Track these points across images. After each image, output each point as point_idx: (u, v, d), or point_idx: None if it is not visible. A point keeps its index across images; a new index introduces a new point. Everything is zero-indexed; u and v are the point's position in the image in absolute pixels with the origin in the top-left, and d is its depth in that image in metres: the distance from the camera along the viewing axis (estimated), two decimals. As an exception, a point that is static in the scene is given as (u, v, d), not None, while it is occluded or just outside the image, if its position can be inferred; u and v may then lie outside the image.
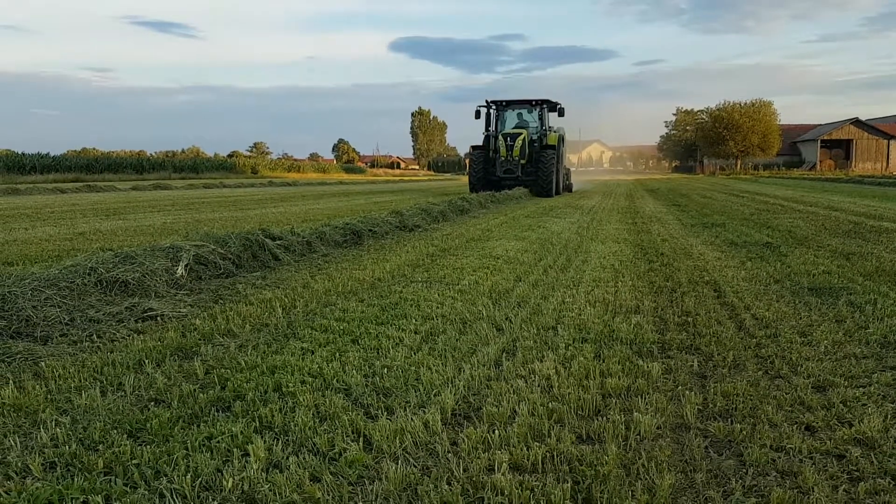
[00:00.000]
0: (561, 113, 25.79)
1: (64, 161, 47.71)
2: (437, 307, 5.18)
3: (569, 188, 28.97)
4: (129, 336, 4.32)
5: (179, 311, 4.97)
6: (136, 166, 52.87)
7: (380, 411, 3.05)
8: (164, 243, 6.38)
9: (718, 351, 4.11)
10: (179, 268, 5.96)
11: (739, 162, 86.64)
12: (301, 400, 3.14)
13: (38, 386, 3.29)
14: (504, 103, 26.34)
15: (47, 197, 22.59)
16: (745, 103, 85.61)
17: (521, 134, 24.77)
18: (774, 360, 3.93)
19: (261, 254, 7.30)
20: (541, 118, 25.86)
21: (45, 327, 4.25)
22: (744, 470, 2.60)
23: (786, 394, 3.38)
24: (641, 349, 4.13)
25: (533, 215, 14.92)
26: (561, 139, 26.25)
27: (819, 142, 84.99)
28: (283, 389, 3.29)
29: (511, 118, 26.72)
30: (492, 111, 26.20)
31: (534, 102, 25.97)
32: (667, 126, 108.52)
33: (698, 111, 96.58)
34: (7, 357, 3.71)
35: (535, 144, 25.32)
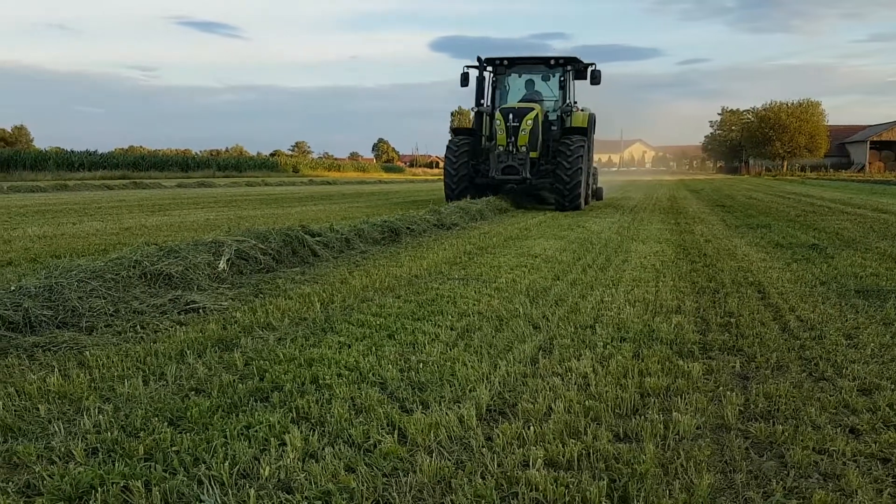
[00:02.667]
0: (595, 79, 17.06)
1: (111, 159, 48.84)
2: (474, 304, 5.17)
3: (598, 195, 20.38)
4: (171, 327, 4.40)
5: (221, 304, 5.05)
6: (182, 164, 53.86)
7: (415, 405, 3.05)
8: (207, 238, 6.48)
9: (761, 352, 4.02)
10: (221, 262, 6.05)
11: (786, 163, 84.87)
12: (337, 392, 3.16)
13: (82, 374, 3.37)
14: (506, 61, 17.23)
15: (95, 193, 23.15)
16: (792, 103, 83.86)
17: (532, 111, 15.92)
18: (819, 362, 3.83)
19: (300, 250, 7.37)
20: (563, 87, 17.06)
21: (90, 318, 4.35)
22: (785, 471, 2.54)
23: (830, 396, 3.29)
24: (682, 349, 4.06)
25: (572, 214, 14.81)
26: (592, 122, 17.75)
27: (868, 143, 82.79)
28: (320, 381, 3.31)
29: (517, 87, 18.02)
30: (487, 74, 17.39)
31: (552, 61, 17.04)
32: (711, 126, 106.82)
33: (744, 111, 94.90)
34: (53, 346, 3.81)
35: (555, 128, 16.77)
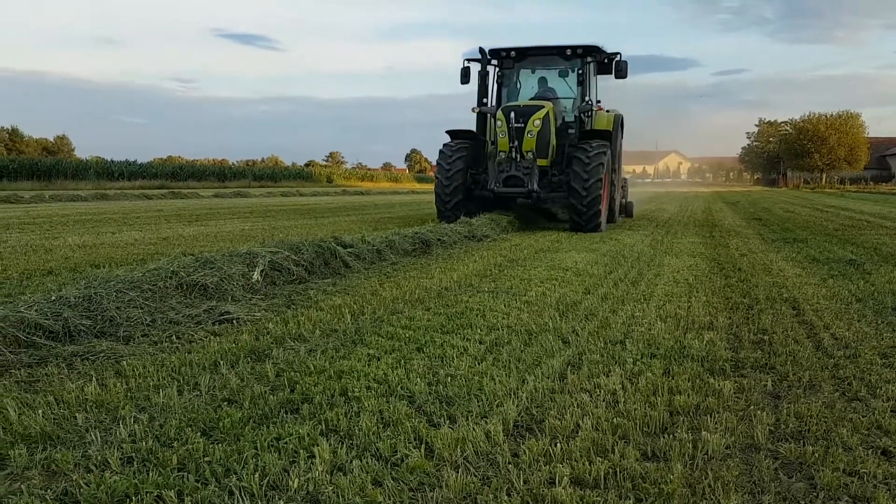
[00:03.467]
0: (621, 71, 14.46)
1: (150, 168, 49.83)
2: (503, 318, 5.18)
3: (627, 211, 17.93)
4: (206, 338, 4.48)
5: (254, 315, 5.13)
6: (219, 174, 54.77)
7: (442, 419, 3.07)
8: (242, 249, 6.59)
9: (794, 371, 3.97)
10: (255, 273, 6.15)
11: (824, 175, 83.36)
12: (366, 405, 3.20)
13: (119, 384, 3.45)
14: (513, 53, 14.57)
15: (134, 203, 23.61)
16: (832, 115, 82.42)
17: (542, 109, 13.35)
18: (852, 381, 3.77)
19: (332, 261, 7.45)
20: (581, 82, 14.27)
21: (127, 327, 4.46)
22: (814, 493, 2.51)
23: (862, 417, 3.24)
24: (713, 367, 4.03)
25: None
26: (619, 124, 15.53)
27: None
28: (349, 394, 3.35)
29: (529, 84, 15.32)
30: (492, 70, 14.75)
31: (568, 51, 14.18)
32: (749, 137, 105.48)
33: (782, 122, 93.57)
34: (91, 355, 3.91)
35: (572, 131, 14.13)
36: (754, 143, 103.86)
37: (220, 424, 2.95)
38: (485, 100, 14.46)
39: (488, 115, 14.43)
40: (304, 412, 3.12)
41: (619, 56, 14.62)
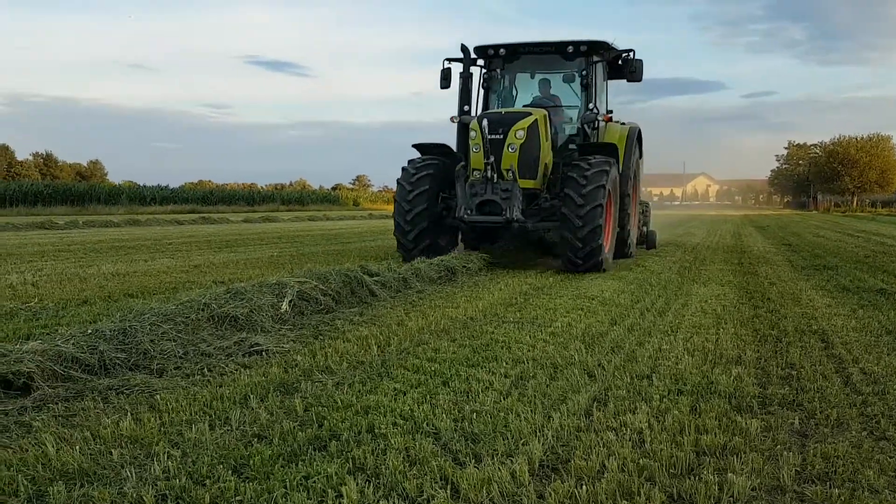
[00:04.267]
0: (634, 72, 11.81)
1: (181, 193, 50.64)
2: (528, 350, 5.20)
3: (649, 242, 15.77)
4: (236, 370, 4.57)
5: (283, 347, 5.21)
6: (248, 198, 55.49)
7: (468, 458, 3.11)
8: (271, 280, 6.70)
9: (822, 408, 3.94)
10: (284, 304, 6.24)
11: (855, 198, 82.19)
12: (392, 442, 3.24)
13: (153, 418, 3.54)
14: (503, 51, 12.11)
15: (165, 228, 24.02)
16: (862, 138, 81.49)
17: (528, 118, 10.80)
18: (880, 419, 3.73)
19: (359, 290, 7.53)
20: (586, 85, 11.84)
21: (161, 360, 4.56)
22: (843, 541, 2.50)
23: (890, 457, 3.21)
24: (741, 404, 4.01)
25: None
26: (634, 139, 13.02)
27: (945, 178, 79.60)
28: (376, 431, 3.40)
29: (528, 88, 12.90)
30: (478, 71, 12.44)
31: (570, 48, 11.75)
32: (778, 160, 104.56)
33: (811, 145, 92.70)
34: (126, 389, 4.01)
35: (574, 146, 11.66)
36: (784, 166, 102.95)
37: (251, 462, 3.01)
38: (467, 107, 12.01)
39: (469, 126, 11.37)
40: (332, 449, 3.18)
41: (631, 53, 12.02)
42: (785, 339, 5.82)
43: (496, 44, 12.22)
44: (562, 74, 12.51)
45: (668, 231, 24.57)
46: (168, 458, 3.07)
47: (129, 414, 3.59)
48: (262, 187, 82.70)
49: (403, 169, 11.41)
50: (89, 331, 4.63)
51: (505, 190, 10.56)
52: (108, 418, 3.52)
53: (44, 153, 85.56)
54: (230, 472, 2.93)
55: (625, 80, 12.22)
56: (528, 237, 12.04)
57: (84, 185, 47.70)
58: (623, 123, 13.27)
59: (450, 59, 12.27)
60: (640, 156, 14.10)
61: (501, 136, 10.68)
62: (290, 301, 6.36)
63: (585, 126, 11.92)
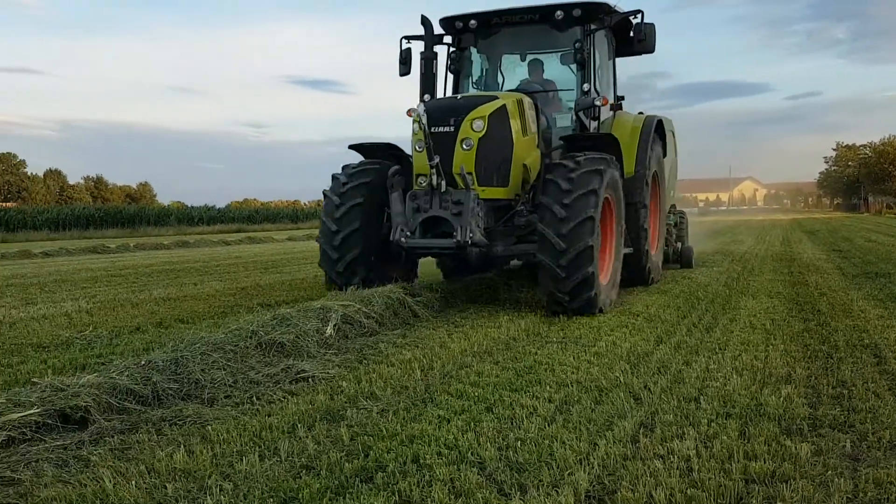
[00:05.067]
0: (644, 39, 9.15)
1: (227, 213, 51.78)
2: (572, 372, 5.18)
3: (684, 259, 13.24)
4: (284, 398, 4.65)
5: (328, 373, 5.28)
6: (292, 216, 56.44)
7: (513, 490, 3.11)
8: (316, 304, 6.80)
9: (874, 429, 3.85)
10: (329, 328, 6.33)
11: (910, 199, 79.75)
12: (437, 473, 3.27)
13: (205, 450, 3.62)
14: (474, 22, 9.65)
15: (213, 249, 24.53)
16: (914, 136, 79.18)
17: (490, 103, 8.16)
18: (940, 444, 3.63)
19: (401, 311, 7.59)
20: (581, 62, 9.23)
21: (211, 389, 4.67)
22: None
23: (951, 487, 3.12)
24: (790, 426, 3.94)
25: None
26: (651, 132, 10.27)
27: None
28: (421, 461, 3.43)
29: (515, 72, 10.38)
30: (444, 50, 9.98)
31: (560, 13, 9.12)
32: (826, 162, 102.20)
33: (861, 146, 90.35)
34: (179, 420, 4.12)
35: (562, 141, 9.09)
36: (832, 168, 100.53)
37: (300, 495, 3.07)
38: (427, 96, 9.53)
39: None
40: (379, 481, 3.22)
41: (640, 15, 9.31)
42: (836, 355, 5.69)
43: (465, 13, 9.65)
44: (559, 54, 9.83)
45: (715, 239, 24.14)
46: (220, 490, 3.14)
47: (182, 446, 3.68)
48: (304, 204, 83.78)
49: (334, 177, 8.78)
50: (143, 362, 4.77)
51: (457, 202, 7.75)
52: (162, 451, 3.62)
53: (94, 177, 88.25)
54: (280, 505, 2.99)
55: (637, 56, 10.21)
56: (489, 268, 9.77)
57: (134, 208, 49.09)
58: (642, 113, 10.80)
59: (409, 37, 9.75)
60: (665, 154, 11.41)
61: (451, 129, 7.90)
62: (335, 325, 6.44)
63: (581, 115, 9.14)
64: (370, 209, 8.53)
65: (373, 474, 3.31)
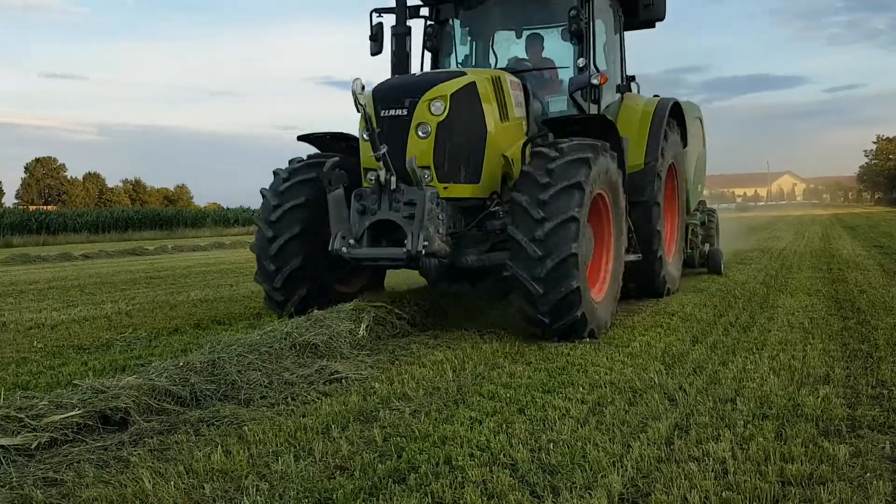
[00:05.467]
0: (651, 5, 8.35)
1: (263, 214, 52.36)
2: (606, 373, 5.15)
3: (711, 264, 11.69)
4: (318, 399, 4.69)
5: (361, 374, 5.32)
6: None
7: (546, 492, 3.11)
8: (348, 305, 6.85)
9: (917, 432, 3.77)
10: (361, 329, 6.38)
11: (956, 191, 77.65)
12: (470, 475, 3.28)
13: (242, 451, 3.68)
14: None
15: (249, 252, 24.82)
16: (960, 126, 77.13)
17: (453, 80, 6.72)
18: None
19: (433, 311, 7.60)
20: (579, 34, 7.59)
21: (247, 390, 4.74)
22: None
23: None
24: (828, 428, 3.88)
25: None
26: (665, 117, 8.92)
27: None
28: (454, 463, 3.44)
29: (509, 50, 8.96)
30: (422, 23, 8.65)
31: None
32: (866, 155, 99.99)
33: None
34: (216, 420, 4.19)
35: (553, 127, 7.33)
36: (873, 162, 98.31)
37: (335, 496, 3.10)
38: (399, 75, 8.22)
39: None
40: (411, 482, 3.24)
41: None
42: (876, 355, 5.57)
43: None
44: (560, 29, 8.38)
45: (753, 235, 23.74)
46: (257, 491, 3.19)
47: (219, 446, 3.74)
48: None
49: (275, 173, 7.49)
50: (181, 363, 4.86)
51: (409, 203, 6.38)
52: (200, 451, 3.68)
53: (133, 179, 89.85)
54: (314, 506, 3.03)
55: (647, 28, 9.29)
56: (445, 281, 7.72)
57: (171, 210, 49.96)
58: (657, 96, 9.65)
59: (379, 10, 8.35)
60: (686, 143, 10.05)
61: (404, 113, 6.55)
62: (367, 326, 6.49)
63: (576, 96, 7.75)
64: (317, 211, 6.98)
65: (406, 475, 3.33)
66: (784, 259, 14.55)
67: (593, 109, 7.91)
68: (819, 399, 4.37)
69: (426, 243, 6.24)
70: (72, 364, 5.92)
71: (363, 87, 6.16)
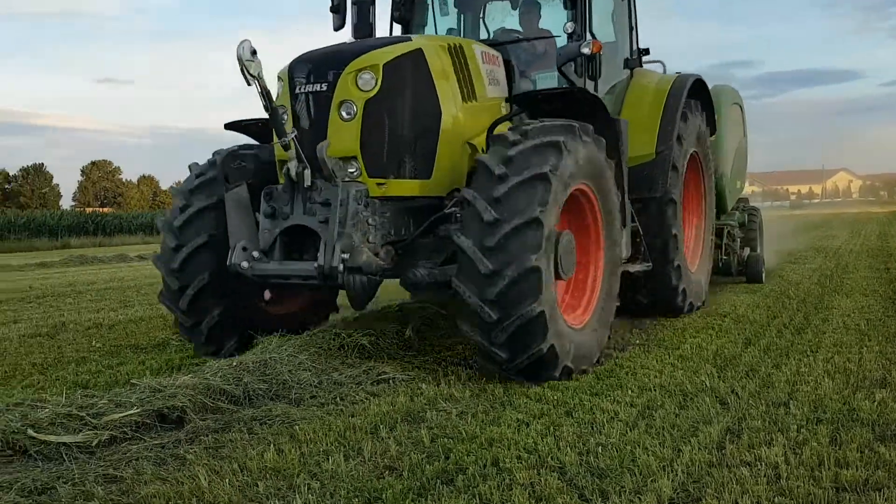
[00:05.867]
0: None
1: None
2: (655, 376, 5.10)
3: (751, 273, 10.39)
4: (366, 399, 4.75)
5: (408, 374, 5.36)
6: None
7: (594, 496, 3.10)
8: (395, 306, 6.90)
9: (979, 439, 3.65)
10: (408, 330, 6.42)
11: None
12: (517, 477, 3.29)
13: (293, 449, 3.75)
14: None
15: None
16: None
17: (394, 49, 5.44)
18: None
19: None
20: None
21: (298, 390, 4.83)
22: None
23: None
24: (884, 433, 3.78)
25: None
26: (682, 97, 7.50)
27: None
28: (501, 465, 3.45)
29: (503, 19, 7.56)
30: None
31: None
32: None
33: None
34: (268, 419, 4.28)
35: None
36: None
37: (384, 496, 3.15)
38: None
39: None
40: (459, 484, 3.26)
41: None
42: (938, 358, 5.40)
43: None
44: None
45: (807, 234, 23.13)
46: (308, 489, 3.25)
47: (272, 445, 3.82)
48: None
49: (190, 169, 6.24)
50: (234, 363, 4.98)
51: (325, 204, 5.20)
52: (253, 450, 3.77)
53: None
54: (365, 505, 3.08)
55: None
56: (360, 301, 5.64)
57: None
58: (680, 73, 8.34)
59: None
60: (714, 130, 8.86)
61: (324, 89, 5.29)
62: (414, 327, 6.53)
63: (566, 70, 6.32)
64: (211, 227, 5.75)
65: (453, 477, 3.36)
66: (839, 258, 14.16)
67: (590, 87, 6.51)
68: (875, 403, 4.26)
69: (345, 256, 4.94)
70: (129, 363, 6.11)
71: (254, 52, 4.84)
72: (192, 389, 4.41)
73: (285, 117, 5.39)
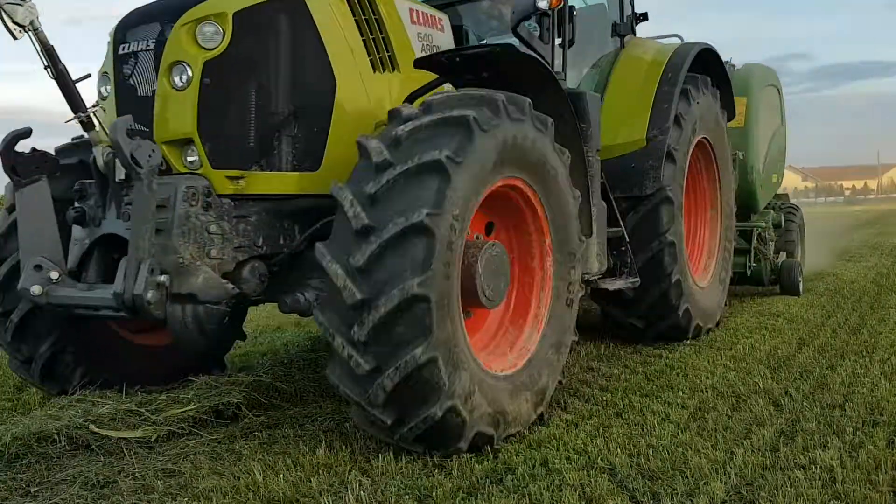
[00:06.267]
0: None
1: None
2: (707, 377, 5.03)
3: (786, 283, 8.74)
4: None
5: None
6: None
7: (645, 498, 3.09)
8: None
9: None
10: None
11: None
12: (567, 478, 3.29)
13: (343, 446, 3.80)
14: None
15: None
16: None
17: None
18: None
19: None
20: None
21: (346, 388, 4.90)
22: None
23: None
24: (946, 437, 3.68)
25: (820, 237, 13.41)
26: (683, 69, 6.02)
27: None
28: (550, 465, 3.46)
29: None
30: None
31: None
32: None
33: None
34: (319, 416, 4.37)
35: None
36: None
37: (434, 494, 3.18)
38: None
39: None
40: (508, 484, 3.28)
41: None
42: None
43: None
44: None
45: (862, 230, 22.49)
46: (360, 486, 3.31)
47: (323, 442, 3.89)
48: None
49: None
50: (285, 361, 5.09)
51: (138, 209, 3.62)
52: (305, 446, 3.85)
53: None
54: (415, 501, 3.13)
55: None
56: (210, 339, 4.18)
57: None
58: (684, 39, 7.04)
59: None
60: (733, 115, 7.46)
61: (151, 47, 3.92)
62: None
63: (521, 32, 4.99)
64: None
65: (502, 476, 3.38)
66: (897, 256, 13.75)
67: (558, 57, 5.26)
68: (936, 406, 4.14)
69: (162, 278, 3.54)
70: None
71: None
72: (245, 386, 4.52)
73: (106, 96, 4.12)
